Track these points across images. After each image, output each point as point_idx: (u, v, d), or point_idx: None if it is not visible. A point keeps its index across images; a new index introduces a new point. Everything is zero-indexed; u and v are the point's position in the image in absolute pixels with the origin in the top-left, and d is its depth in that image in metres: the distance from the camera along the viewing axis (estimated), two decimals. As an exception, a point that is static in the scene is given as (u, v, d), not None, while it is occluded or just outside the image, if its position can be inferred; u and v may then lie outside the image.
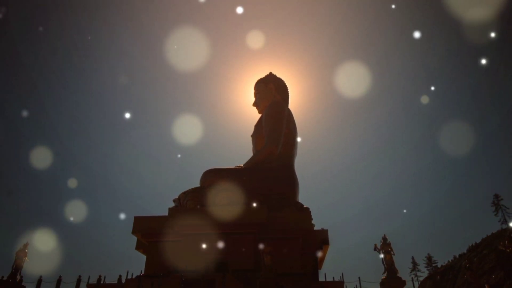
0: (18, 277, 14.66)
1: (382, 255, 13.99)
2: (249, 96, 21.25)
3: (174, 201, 16.08)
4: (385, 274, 13.68)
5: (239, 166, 17.09)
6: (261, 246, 13.16)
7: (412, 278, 20.91)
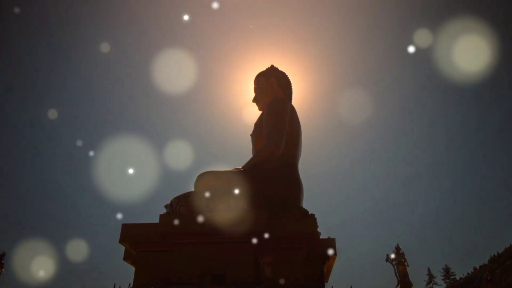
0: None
1: (395, 267, 13.53)
2: (249, 91, 20.78)
3: (165, 207, 15.53)
4: (398, 287, 13.22)
5: (237, 168, 16.50)
6: (261, 256, 12.64)
7: (428, 291, 20.20)
